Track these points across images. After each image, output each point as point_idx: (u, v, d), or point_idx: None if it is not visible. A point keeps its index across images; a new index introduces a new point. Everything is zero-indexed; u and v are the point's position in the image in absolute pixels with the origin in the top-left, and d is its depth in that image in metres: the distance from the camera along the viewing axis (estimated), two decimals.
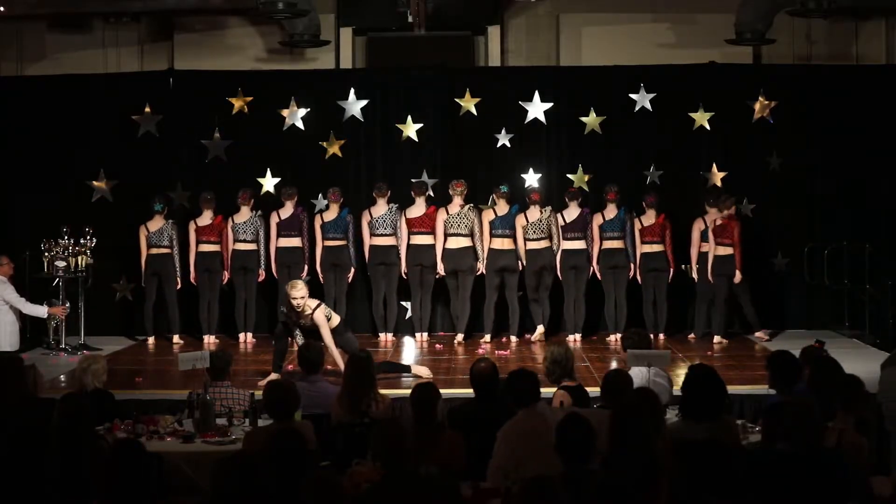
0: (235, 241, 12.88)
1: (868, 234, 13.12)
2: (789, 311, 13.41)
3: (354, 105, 13.64)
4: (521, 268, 12.76)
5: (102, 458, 5.42)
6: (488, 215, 12.79)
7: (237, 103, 13.56)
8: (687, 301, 13.10)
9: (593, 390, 7.96)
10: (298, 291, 9.97)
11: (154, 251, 12.80)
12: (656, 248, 12.85)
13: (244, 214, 12.90)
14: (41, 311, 11.97)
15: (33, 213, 13.31)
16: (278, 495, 5.06)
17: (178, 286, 12.85)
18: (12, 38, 14.14)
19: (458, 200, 12.82)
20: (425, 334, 12.94)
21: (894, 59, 14.12)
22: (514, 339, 12.76)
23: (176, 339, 12.83)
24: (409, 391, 7.37)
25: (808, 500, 5.23)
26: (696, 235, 12.85)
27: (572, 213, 12.82)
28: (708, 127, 13.47)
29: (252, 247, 12.89)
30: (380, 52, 14.24)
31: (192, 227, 12.88)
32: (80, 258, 12.11)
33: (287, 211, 12.95)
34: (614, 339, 12.44)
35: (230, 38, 14.27)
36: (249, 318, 12.98)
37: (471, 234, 12.74)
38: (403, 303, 13.20)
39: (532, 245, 12.71)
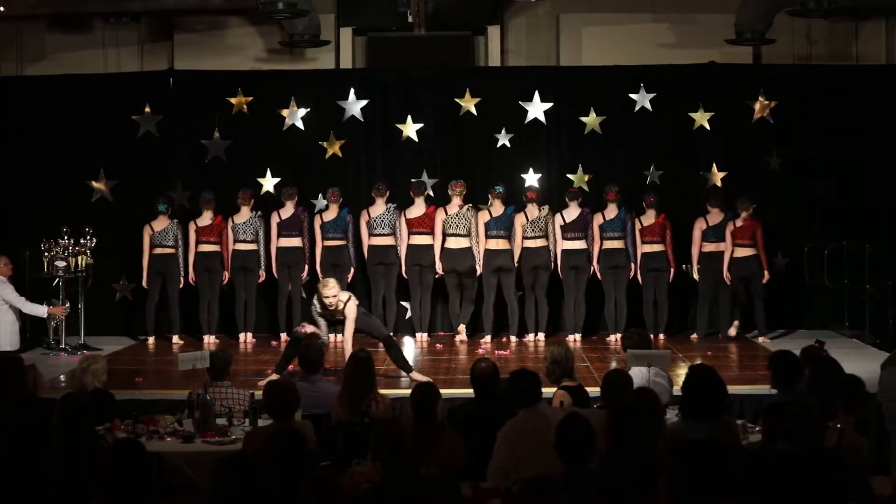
0: (235, 241, 12.88)
1: (868, 234, 13.12)
2: (789, 311, 13.40)
3: (354, 105, 13.64)
4: (515, 266, 12.76)
5: (102, 458, 5.42)
6: (483, 216, 12.79)
7: (237, 103, 13.56)
8: (687, 301, 13.10)
9: (593, 390, 7.96)
10: (330, 290, 10.00)
11: (158, 251, 12.80)
12: (657, 247, 12.86)
13: (244, 214, 12.90)
14: (41, 310, 11.97)
15: (33, 213, 13.32)
16: (278, 495, 5.06)
17: (181, 285, 12.86)
18: (12, 38, 14.14)
19: (456, 201, 12.83)
20: (425, 334, 12.94)
21: (894, 59, 14.12)
22: (513, 338, 12.76)
23: (176, 339, 12.83)
24: (409, 391, 7.38)
25: (808, 500, 5.23)
26: (696, 235, 12.86)
27: (572, 212, 12.82)
28: (708, 127, 13.47)
29: (252, 247, 12.89)
30: (380, 52, 14.24)
31: (192, 227, 12.89)
32: (80, 258, 12.11)
33: (287, 211, 12.96)
34: (614, 339, 12.44)
35: (230, 38, 14.27)
36: (249, 319, 12.99)
37: (469, 235, 12.75)
38: (403, 303, 13.21)
39: (528, 243, 12.72)
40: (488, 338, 12.73)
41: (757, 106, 13.40)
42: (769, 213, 13.14)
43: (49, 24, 14.19)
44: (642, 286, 12.91)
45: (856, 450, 5.97)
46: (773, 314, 13.06)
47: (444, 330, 13.28)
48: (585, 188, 13.42)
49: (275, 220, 12.95)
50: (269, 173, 13.61)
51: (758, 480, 5.30)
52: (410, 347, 12.51)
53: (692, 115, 13.45)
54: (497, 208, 12.79)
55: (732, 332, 12.75)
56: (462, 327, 12.77)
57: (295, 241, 12.93)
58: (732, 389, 7.95)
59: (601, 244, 12.85)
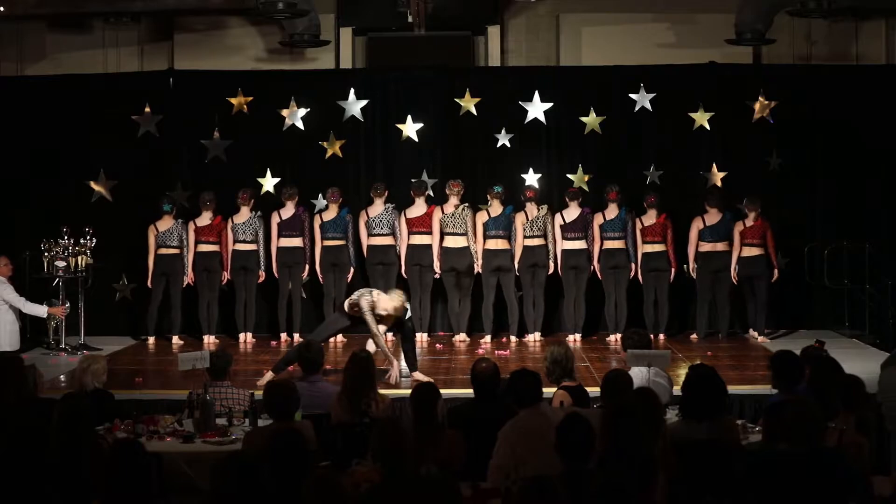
0: (235, 241, 12.88)
1: (868, 234, 13.12)
2: (789, 311, 13.40)
3: (354, 105, 13.64)
4: (516, 266, 12.77)
5: (102, 458, 5.42)
6: (482, 216, 12.80)
7: (237, 103, 13.56)
8: (688, 301, 13.09)
9: (593, 390, 7.97)
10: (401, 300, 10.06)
11: (163, 251, 12.81)
12: (658, 247, 12.86)
13: (244, 215, 12.89)
14: (41, 310, 11.98)
15: (33, 213, 13.32)
16: (278, 495, 5.06)
17: (184, 285, 12.87)
18: (12, 38, 14.13)
19: (453, 200, 12.83)
20: (425, 335, 12.93)
21: (894, 59, 14.11)
22: (513, 338, 12.77)
23: (176, 339, 12.83)
24: (409, 391, 7.37)
25: (808, 500, 5.23)
26: (693, 235, 12.87)
27: (573, 212, 12.82)
28: (708, 127, 13.46)
29: (252, 247, 12.89)
30: (380, 52, 14.23)
31: (191, 227, 12.89)
32: (80, 258, 12.11)
33: (288, 211, 12.95)
34: (614, 339, 12.44)
35: (230, 38, 14.27)
36: (249, 319, 12.99)
37: (467, 234, 12.76)
38: None
39: (527, 242, 12.73)
40: (488, 338, 12.74)
41: (757, 106, 13.40)
42: (769, 213, 13.12)
43: (49, 24, 14.19)
44: (643, 286, 12.91)
45: (856, 450, 5.97)
46: (774, 314, 13.07)
47: (444, 330, 13.28)
48: (585, 188, 13.41)
49: (275, 220, 12.95)
50: (269, 173, 13.60)
51: (758, 480, 5.30)
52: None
53: (692, 115, 13.44)
54: (496, 208, 12.79)
55: (762, 339, 12.70)
56: (463, 335, 12.77)
57: (295, 241, 12.93)
58: (732, 389, 7.95)
59: (601, 244, 12.85)
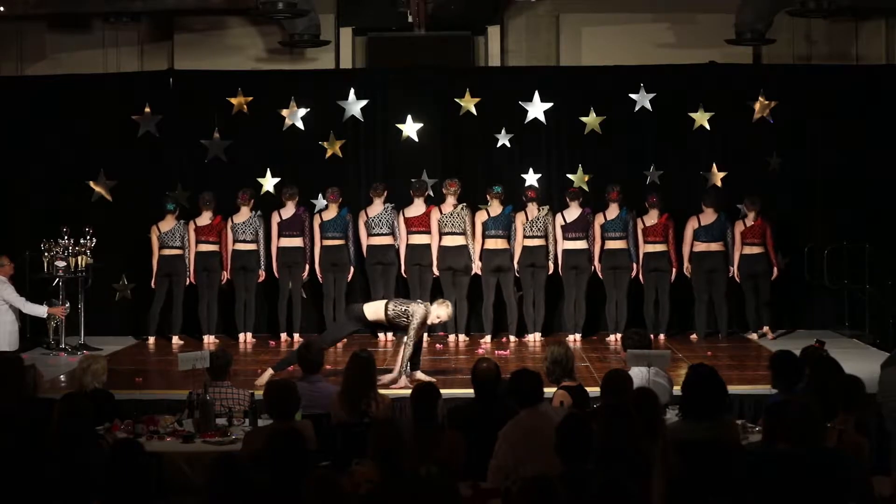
0: (235, 241, 12.88)
1: (868, 234, 13.11)
2: (789, 311, 13.40)
3: (354, 105, 13.64)
4: (515, 266, 12.77)
5: (102, 458, 5.42)
6: (481, 216, 12.80)
7: (237, 103, 13.56)
8: (688, 301, 13.08)
9: (593, 390, 7.96)
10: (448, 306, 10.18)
11: (165, 252, 12.81)
12: (659, 247, 12.86)
13: (244, 214, 12.89)
14: (41, 310, 11.97)
15: (33, 213, 13.32)
16: (278, 495, 5.06)
17: (187, 284, 12.88)
18: (12, 38, 14.13)
19: (451, 200, 12.83)
20: (425, 334, 12.91)
21: (894, 59, 14.11)
22: (513, 338, 12.77)
23: (176, 339, 12.83)
24: (409, 391, 7.37)
25: (808, 500, 5.23)
26: (688, 234, 12.87)
27: (573, 212, 12.82)
28: (708, 127, 13.47)
29: (252, 247, 12.89)
30: (380, 52, 14.23)
31: (191, 227, 12.89)
32: (80, 258, 12.11)
33: (288, 211, 12.95)
34: (614, 339, 12.44)
35: (230, 38, 14.27)
36: (249, 318, 12.99)
37: (465, 234, 12.76)
38: None
39: (527, 242, 12.73)
40: (488, 338, 12.74)
41: (757, 106, 13.40)
42: (769, 213, 13.13)
43: (49, 24, 14.19)
44: (644, 286, 12.91)
45: (856, 450, 5.97)
46: (774, 314, 13.05)
47: (444, 330, 13.28)
48: (585, 188, 13.41)
49: (275, 219, 12.95)
50: (269, 173, 13.60)
51: (758, 480, 5.30)
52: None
53: (692, 115, 13.44)
54: (495, 208, 12.79)
55: (768, 334, 12.73)
56: (462, 336, 12.79)
57: (296, 241, 12.92)
58: (732, 389, 7.94)
59: (603, 244, 12.85)
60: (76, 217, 12.60)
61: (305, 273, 12.96)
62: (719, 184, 13.43)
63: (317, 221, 12.96)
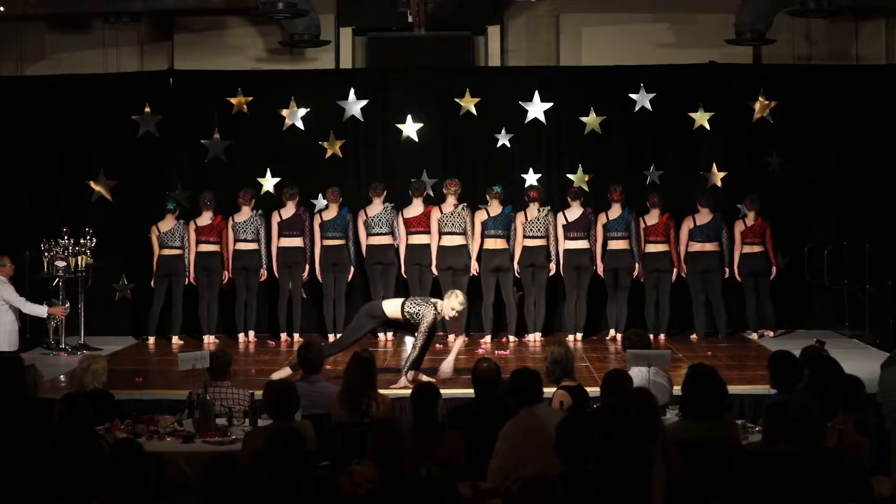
0: (236, 240, 12.88)
1: (868, 234, 13.11)
2: (789, 311, 13.39)
3: (354, 105, 13.64)
4: (515, 265, 12.77)
5: (102, 458, 5.42)
6: (481, 216, 12.80)
7: (237, 103, 13.56)
8: (688, 301, 13.08)
9: (593, 390, 7.96)
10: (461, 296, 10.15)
11: (165, 252, 12.80)
12: (661, 247, 12.86)
13: (245, 214, 12.90)
14: (41, 310, 11.97)
15: (33, 213, 13.31)
16: (278, 495, 5.06)
17: (186, 283, 12.88)
18: (12, 38, 14.14)
19: (451, 200, 12.84)
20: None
21: (894, 59, 14.12)
22: (512, 338, 12.77)
23: (176, 339, 12.83)
24: (408, 391, 7.37)
25: (808, 500, 5.23)
26: (683, 234, 12.87)
27: (574, 212, 12.82)
28: (708, 127, 13.47)
29: (253, 246, 12.89)
30: (380, 52, 14.23)
31: (191, 227, 12.89)
32: (80, 258, 12.11)
33: (289, 211, 12.95)
34: (614, 337, 12.45)
35: (230, 38, 14.27)
36: (249, 318, 12.99)
37: (464, 233, 12.77)
38: None
39: (528, 242, 12.73)
40: (488, 338, 12.74)
41: (757, 106, 13.40)
42: (769, 213, 13.13)
43: (49, 24, 14.19)
44: (645, 286, 12.91)
45: (856, 450, 5.97)
46: (774, 314, 13.05)
47: (443, 330, 13.27)
48: (585, 188, 13.41)
49: (275, 219, 12.95)
50: (269, 173, 13.61)
51: (758, 480, 5.30)
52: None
53: (692, 115, 13.45)
54: (495, 208, 12.79)
55: (755, 336, 12.74)
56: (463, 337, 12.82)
57: (296, 241, 12.92)
58: (732, 389, 7.94)
59: (605, 244, 12.85)
60: (76, 217, 12.60)
61: (305, 273, 12.96)
62: (719, 184, 13.43)
63: (317, 221, 12.97)
